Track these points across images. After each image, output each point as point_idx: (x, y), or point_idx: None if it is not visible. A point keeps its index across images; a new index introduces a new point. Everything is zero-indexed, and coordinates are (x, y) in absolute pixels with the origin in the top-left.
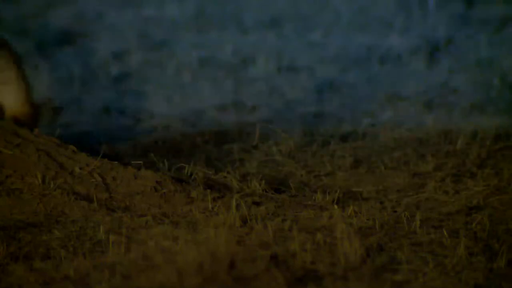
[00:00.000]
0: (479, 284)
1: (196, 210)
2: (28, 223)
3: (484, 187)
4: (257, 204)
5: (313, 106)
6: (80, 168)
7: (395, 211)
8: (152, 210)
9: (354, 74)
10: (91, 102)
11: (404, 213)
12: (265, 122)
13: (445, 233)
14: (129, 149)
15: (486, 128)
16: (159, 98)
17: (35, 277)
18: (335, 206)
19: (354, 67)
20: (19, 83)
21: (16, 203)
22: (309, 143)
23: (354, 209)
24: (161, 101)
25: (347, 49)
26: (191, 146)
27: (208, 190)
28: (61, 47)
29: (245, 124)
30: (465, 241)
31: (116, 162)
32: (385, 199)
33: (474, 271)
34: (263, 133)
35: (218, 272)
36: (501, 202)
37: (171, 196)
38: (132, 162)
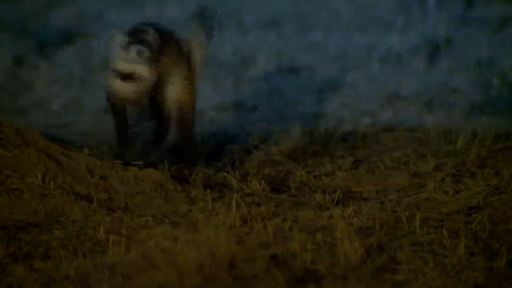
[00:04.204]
0: (479, 284)
1: (196, 210)
2: (28, 223)
3: (484, 187)
4: (257, 204)
5: (313, 106)
6: (80, 168)
7: (395, 211)
8: (152, 210)
9: (354, 74)
10: (91, 102)
11: (404, 213)
12: (265, 122)
13: (445, 233)
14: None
15: (486, 128)
16: None
17: (35, 277)
18: (335, 206)
19: (354, 67)
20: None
21: (16, 203)
22: (309, 143)
23: (354, 209)
24: None
25: (347, 49)
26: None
27: (208, 190)
28: (61, 47)
29: (245, 124)
30: (465, 241)
31: (116, 162)
32: (385, 199)
33: (474, 271)
34: (263, 133)
35: (218, 272)
36: (501, 202)
37: (171, 196)
38: (132, 162)
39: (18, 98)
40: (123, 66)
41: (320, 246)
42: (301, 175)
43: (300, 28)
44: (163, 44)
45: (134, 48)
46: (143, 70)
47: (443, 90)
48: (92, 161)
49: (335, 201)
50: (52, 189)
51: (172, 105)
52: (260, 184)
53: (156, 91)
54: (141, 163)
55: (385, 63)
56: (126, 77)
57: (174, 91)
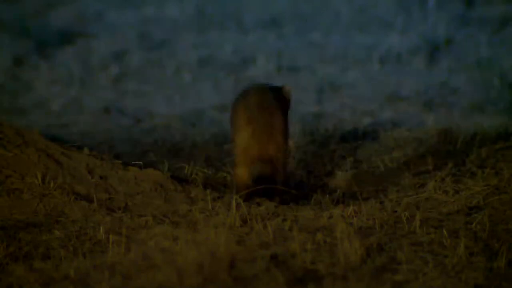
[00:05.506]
0: (479, 284)
1: (196, 210)
2: (28, 223)
3: (484, 187)
4: (257, 204)
5: (313, 106)
6: (80, 168)
7: (395, 211)
8: (152, 210)
9: (354, 74)
10: (91, 102)
11: (404, 213)
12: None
13: (445, 233)
14: (129, 149)
15: (486, 128)
16: (159, 98)
17: (35, 277)
18: (335, 206)
19: (354, 67)
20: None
21: (16, 203)
22: (309, 143)
23: (354, 209)
24: (161, 101)
25: (347, 49)
26: (191, 146)
27: (208, 190)
28: (61, 47)
29: None
30: (465, 241)
31: (116, 162)
32: (385, 199)
33: (474, 271)
34: None
35: (218, 272)
36: (501, 202)
37: (171, 196)
38: (132, 162)
39: (18, 98)
40: None
41: (320, 246)
42: (301, 175)
43: (300, 28)
44: None
45: None
46: None
47: (443, 90)
48: (92, 161)
49: (335, 201)
50: (52, 189)
51: None
52: None
53: None
54: (141, 162)
55: (385, 63)
56: None
57: None
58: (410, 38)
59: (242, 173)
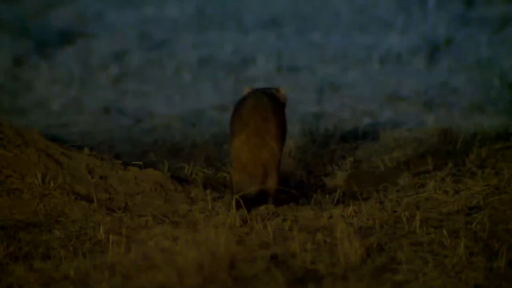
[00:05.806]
0: (479, 284)
1: (196, 210)
2: (28, 223)
3: (484, 187)
4: (258, 204)
5: (313, 106)
6: (80, 168)
7: (395, 211)
8: (152, 210)
9: (354, 74)
10: (91, 102)
11: (404, 213)
12: None
13: (445, 233)
14: (129, 149)
15: (486, 128)
16: (159, 98)
17: (35, 277)
18: (335, 206)
19: (354, 67)
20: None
21: (16, 203)
22: (309, 143)
23: (354, 209)
24: (161, 101)
25: (347, 49)
26: (191, 146)
27: (208, 190)
28: (61, 47)
29: None
30: (465, 241)
31: (116, 162)
32: (385, 199)
33: (474, 271)
34: None
35: (218, 272)
36: (501, 202)
37: (171, 196)
38: (132, 162)
39: (18, 98)
40: None
41: (320, 246)
42: (301, 175)
43: (300, 28)
44: None
45: None
46: None
47: (443, 90)
48: (92, 161)
49: (335, 201)
50: (52, 189)
51: None
52: None
53: None
54: (141, 162)
55: (385, 63)
56: None
57: None
58: (410, 38)
59: (237, 178)
